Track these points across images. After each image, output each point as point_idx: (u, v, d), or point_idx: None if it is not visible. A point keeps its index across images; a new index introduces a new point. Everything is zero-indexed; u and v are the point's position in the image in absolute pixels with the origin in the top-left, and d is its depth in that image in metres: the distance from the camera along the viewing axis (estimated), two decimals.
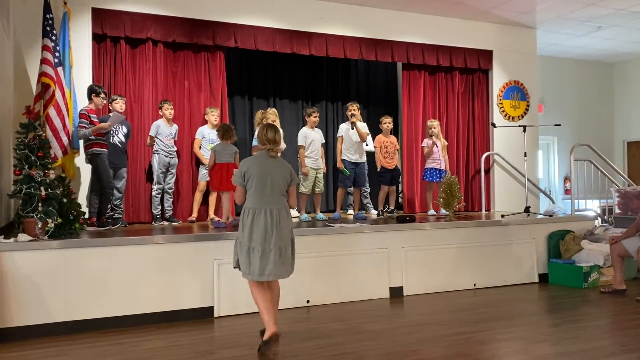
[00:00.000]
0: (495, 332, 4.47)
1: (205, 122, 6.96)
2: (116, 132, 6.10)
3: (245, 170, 4.03)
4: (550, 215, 7.01)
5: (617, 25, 8.88)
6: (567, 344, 4.10)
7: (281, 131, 4.92)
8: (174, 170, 6.64)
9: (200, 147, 6.84)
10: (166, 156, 6.54)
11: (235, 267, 4.10)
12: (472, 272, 6.16)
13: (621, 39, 9.73)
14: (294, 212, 7.46)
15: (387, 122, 7.32)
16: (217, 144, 6.15)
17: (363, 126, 7.18)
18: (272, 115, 6.84)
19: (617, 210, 7.34)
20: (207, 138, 6.81)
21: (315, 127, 7.11)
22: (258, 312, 4.62)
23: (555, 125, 8.15)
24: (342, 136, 7.14)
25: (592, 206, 8.86)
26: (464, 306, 5.40)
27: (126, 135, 6.26)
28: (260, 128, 4.26)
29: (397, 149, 7.39)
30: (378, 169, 7.31)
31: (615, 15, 8.35)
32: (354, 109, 7.06)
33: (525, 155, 7.54)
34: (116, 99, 6.16)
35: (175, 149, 6.66)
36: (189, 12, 6.84)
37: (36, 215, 4.48)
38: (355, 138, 7.04)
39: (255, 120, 7.03)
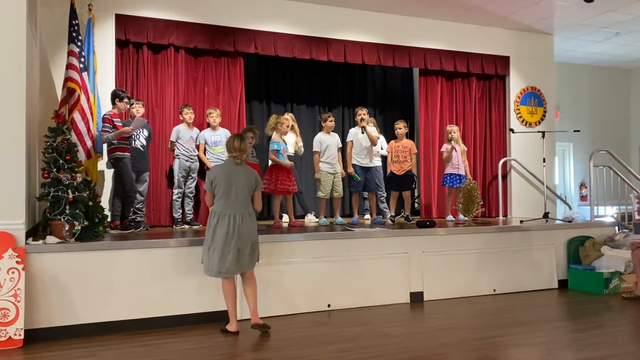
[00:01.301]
0: (519, 337, 4.46)
1: (208, 125, 6.89)
2: (137, 136, 6.17)
3: (213, 178, 4.48)
4: (570, 221, 6.99)
5: (635, 31, 8.85)
6: (593, 349, 4.07)
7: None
8: (194, 175, 6.69)
9: (205, 152, 6.78)
10: (187, 160, 6.60)
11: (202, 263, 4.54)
12: (492, 277, 6.15)
13: (639, 45, 9.69)
14: (311, 217, 7.51)
15: (397, 127, 7.31)
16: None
17: (373, 130, 7.19)
18: (286, 120, 6.83)
19: (636, 217, 7.29)
20: (210, 142, 6.79)
21: (332, 131, 7.13)
22: (275, 317, 4.72)
23: (575, 131, 8.14)
24: (351, 141, 7.15)
25: (609, 212, 8.80)
26: (485, 311, 5.39)
27: (147, 139, 6.32)
28: (229, 137, 4.67)
29: (414, 153, 7.36)
30: (387, 174, 7.35)
31: (634, 21, 8.33)
32: (363, 113, 7.06)
33: (544, 161, 7.53)
34: (133, 103, 6.22)
35: (197, 153, 6.71)
36: (210, 18, 6.93)
37: (64, 218, 4.54)
38: (365, 143, 7.05)
39: (269, 124, 7.05)
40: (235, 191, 4.43)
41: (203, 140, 6.80)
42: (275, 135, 6.70)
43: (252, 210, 4.55)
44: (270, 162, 6.57)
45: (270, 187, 6.34)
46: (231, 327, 4.52)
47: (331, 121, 7.02)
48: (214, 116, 6.79)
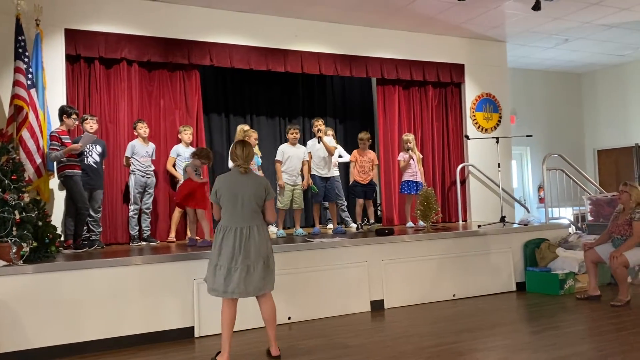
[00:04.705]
0: (476, 342, 4.52)
1: (179, 140, 6.93)
2: (90, 153, 6.04)
3: (217, 188, 4.11)
4: (526, 224, 7.14)
5: (583, 37, 9.16)
6: (547, 350, 4.16)
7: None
8: (151, 190, 6.59)
9: (174, 165, 6.80)
10: (142, 176, 6.49)
11: (204, 281, 4.18)
12: (451, 282, 6.22)
13: (587, 50, 10.02)
14: (271, 228, 7.47)
15: (363, 138, 7.35)
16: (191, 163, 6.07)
17: (329, 140, 7.25)
18: (254, 133, 6.84)
19: (589, 218, 7.51)
20: (182, 156, 6.77)
21: (298, 143, 7.13)
22: (239, 332, 4.63)
23: (527, 136, 8.33)
24: (310, 152, 7.19)
25: (565, 214, 9.05)
26: (444, 317, 5.44)
27: (101, 155, 6.18)
28: (232, 145, 4.28)
29: (376, 164, 7.44)
30: (350, 183, 7.38)
31: (581, 28, 8.61)
32: (319, 124, 7.13)
33: (499, 166, 7.68)
34: (86, 119, 6.09)
35: (153, 168, 6.62)
36: (163, 31, 6.85)
37: (10, 240, 4.41)
38: (323, 153, 7.10)
39: (237, 136, 7.05)
40: (241, 203, 4.03)
41: (175, 154, 6.79)
42: None
43: (262, 222, 4.14)
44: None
45: None
46: (222, 357, 4.03)
47: (292, 134, 7.02)
48: (189, 134, 6.85)
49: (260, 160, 7.02)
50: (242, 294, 4.01)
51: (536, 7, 7.17)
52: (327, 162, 7.15)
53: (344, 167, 8.13)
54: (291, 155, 6.95)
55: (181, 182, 6.29)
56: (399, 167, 7.92)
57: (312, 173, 7.11)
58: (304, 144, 8.25)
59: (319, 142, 7.04)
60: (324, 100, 9.17)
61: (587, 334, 4.77)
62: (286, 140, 7.15)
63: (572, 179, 8.20)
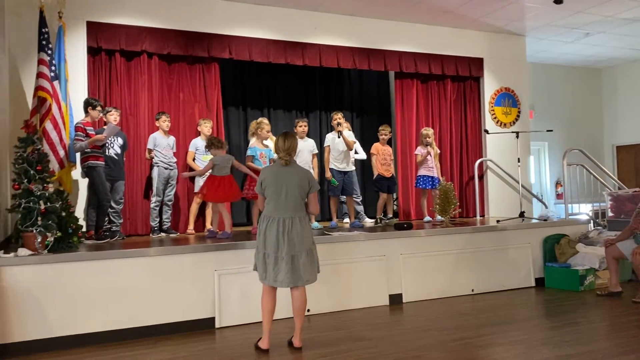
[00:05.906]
0: (496, 336, 4.51)
1: (198, 133, 6.97)
2: (111, 145, 6.08)
3: (262, 180, 4.20)
4: (545, 220, 7.08)
5: (604, 31, 9.03)
6: (568, 346, 4.14)
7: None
8: (173, 182, 6.64)
9: (194, 159, 6.85)
10: (166, 168, 6.54)
11: (254, 270, 4.27)
12: (469, 277, 6.20)
13: (609, 45, 9.88)
14: None
15: (384, 132, 7.38)
16: (218, 156, 6.05)
17: (349, 135, 7.23)
18: (267, 125, 6.86)
19: (610, 214, 7.43)
20: (200, 150, 6.81)
21: (307, 136, 7.12)
22: (254, 324, 4.67)
23: (548, 130, 8.23)
24: (329, 146, 7.19)
25: (584, 210, 8.95)
26: (463, 312, 5.43)
27: (122, 147, 6.23)
28: (276, 137, 4.37)
29: (392, 159, 7.46)
30: (374, 177, 7.36)
31: (603, 22, 8.49)
32: (339, 117, 7.12)
33: (518, 161, 7.62)
34: (110, 111, 6.14)
35: (175, 160, 6.66)
36: (183, 24, 6.88)
37: (36, 229, 4.47)
38: (342, 147, 7.09)
39: (250, 130, 7.08)
40: (285, 193, 4.10)
41: (194, 148, 6.84)
42: (253, 141, 6.70)
43: (304, 213, 4.21)
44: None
45: (250, 193, 6.33)
46: (262, 343, 4.20)
47: (300, 126, 7.03)
48: (209, 127, 6.88)
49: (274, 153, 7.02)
50: (290, 284, 4.11)
51: (558, 0, 7.09)
52: (346, 156, 7.14)
53: (359, 162, 8.11)
54: (300, 149, 6.93)
55: (206, 176, 6.25)
56: (415, 161, 7.90)
57: (330, 167, 7.11)
58: (320, 137, 8.27)
59: (339, 137, 7.03)
60: (341, 94, 9.15)
61: (607, 330, 4.73)
62: None
63: (592, 174, 8.11)
